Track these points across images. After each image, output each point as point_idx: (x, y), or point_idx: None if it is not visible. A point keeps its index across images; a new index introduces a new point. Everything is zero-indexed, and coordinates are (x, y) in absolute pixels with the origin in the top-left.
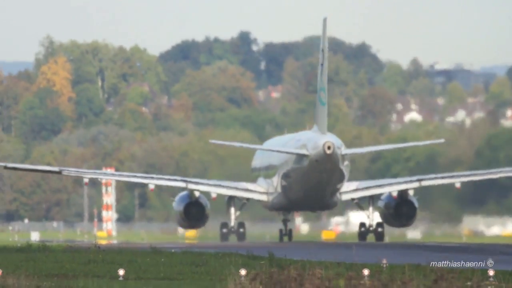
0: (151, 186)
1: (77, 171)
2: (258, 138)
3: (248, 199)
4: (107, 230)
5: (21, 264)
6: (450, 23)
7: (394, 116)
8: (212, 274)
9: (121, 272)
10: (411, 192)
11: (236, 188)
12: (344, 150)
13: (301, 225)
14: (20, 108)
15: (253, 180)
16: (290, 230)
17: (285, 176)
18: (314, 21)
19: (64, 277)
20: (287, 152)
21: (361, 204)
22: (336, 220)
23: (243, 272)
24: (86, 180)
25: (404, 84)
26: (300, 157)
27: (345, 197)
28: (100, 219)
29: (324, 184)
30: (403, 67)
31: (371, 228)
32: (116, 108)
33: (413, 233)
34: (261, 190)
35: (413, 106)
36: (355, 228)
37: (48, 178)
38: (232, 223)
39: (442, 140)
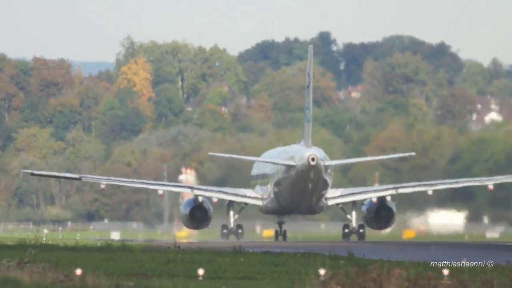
0: (160, 192)
1: (94, 178)
2: (338, 137)
3: (246, 204)
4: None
5: (100, 263)
6: None
7: (474, 116)
8: (291, 274)
9: (200, 271)
10: (388, 198)
11: (235, 194)
12: (327, 162)
13: None
14: (101, 109)
15: (252, 187)
16: (285, 231)
17: (276, 184)
18: (393, 21)
19: (143, 276)
20: (277, 163)
21: (344, 208)
22: (416, 220)
23: (322, 271)
24: (102, 186)
25: (484, 84)
26: (289, 167)
27: (330, 202)
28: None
29: (310, 191)
30: (483, 67)
31: (353, 230)
32: (196, 108)
33: (491, 233)
34: (257, 196)
35: (493, 106)
36: (434, 228)
37: (128, 177)
38: (232, 224)
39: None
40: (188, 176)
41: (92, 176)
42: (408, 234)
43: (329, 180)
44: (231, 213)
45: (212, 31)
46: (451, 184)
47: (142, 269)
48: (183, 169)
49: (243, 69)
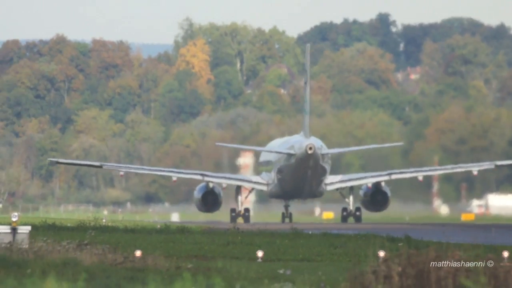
0: (174, 178)
1: (113, 166)
2: (397, 119)
3: (252, 189)
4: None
5: (160, 245)
6: None
7: None
8: (350, 256)
9: (259, 253)
10: (383, 184)
11: (243, 180)
12: (324, 150)
13: (441, 207)
14: (160, 91)
15: (259, 173)
16: (291, 214)
17: (279, 171)
18: (452, 2)
19: (203, 258)
20: (280, 152)
21: (343, 193)
22: (475, 202)
23: (381, 253)
24: (121, 173)
25: None
26: (289, 155)
27: (330, 187)
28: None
29: (309, 177)
30: None
31: (351, 212)
32: (255, 90)
33: None
34: (262, 182)
35: None
36: (494, 210)
37: (187, 160)
38: (240, 208)
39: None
40: (246, 158)
41: (112, 164)
42: (466, 217)
43: (327, 167)
44: (239, 197)
45: (271, 12)
46: (447, 169)
47: (202, 251)
48: (241, 152)
49: (302, 50)
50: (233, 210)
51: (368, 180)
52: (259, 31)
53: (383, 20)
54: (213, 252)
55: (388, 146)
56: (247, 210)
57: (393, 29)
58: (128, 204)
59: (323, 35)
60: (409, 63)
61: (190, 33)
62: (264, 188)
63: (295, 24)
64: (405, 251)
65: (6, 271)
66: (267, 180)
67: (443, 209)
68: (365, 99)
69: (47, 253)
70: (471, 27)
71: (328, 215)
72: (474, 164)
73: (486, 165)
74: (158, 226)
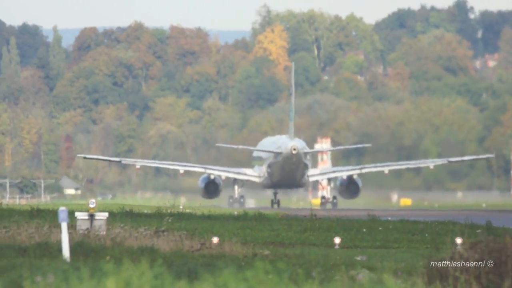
0: (181, 171)
1: (131, 160)
2: (473, 106)
3: (247, 180)
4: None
5: (237, 232)
6: None
7: None
8: (428, 243)
9: (337, 240)
10: (355, 176)
11: (239, 173)
12: (306, 150)
13: None
14: (237, 77)
15: (252, 167)
16: (279, 200)
17: (269, 166)
18: None
19: (280, 245)
20: (270, 151)
21: (322, 183)
22: None
23: (459, 240)
24: (138, 166)
25: None
26: (277, 154)
27: (311, 179)
28: (315, 187)
29: (294, 171)
30: None
31: (328, 200)
32: (332, 77)
33: None
34: (255, 174)
35: None
36: None
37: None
38: (236, 195)
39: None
40: (323, 144)
41: (130, 159)
42: None
43: (308, 163)
44: (236, 187)
45: None
46: (406, 164)
47: (279, 237)
48: (318, 139)
49: (380, 37)
50: (230, 197)
51: (343, 173)
52: (336, 18)
53: (461, 7)
54: (290, 239)
55: (352, 148)
56: (242, 197)
57: (471, 16)
58: None
59: (400, 22)
60: (487, 50)
61: (268, 19)
62: (257, 180)
63: (372, 11)
64: (484, 238)
65: (84, 258)
66: (259, 173)
67: None
68: (442, 86)
69: (124, 240)
70: None
71: (406, 201)
72: None
73: None
74: (236, 213)
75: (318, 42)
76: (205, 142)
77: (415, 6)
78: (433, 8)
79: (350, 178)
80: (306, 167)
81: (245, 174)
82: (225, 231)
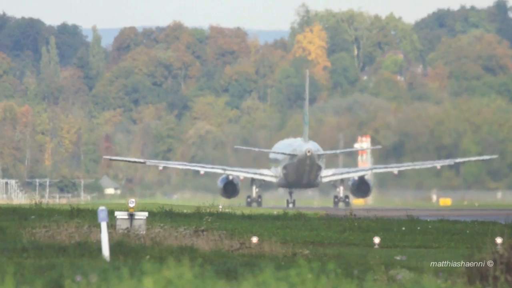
0: (202, 172)
1: (155, 162)
2: None
3: (264, 180)
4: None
5: (277, 231)
6: None
7: None
8: (468, 243)
9: (376, 240)
10: (366, 176)
11: (256, 173)
12: (319, 152)
13: None
14: (276, 77)
15: (269, 167)
16: (294, 200)
17: (284, 167)
18: None
19: (319, 245)
20: (285, 154)
21: (335, 183)
22: None
23: (499, 240)
24: (160, 168)
25: None
26: (292, 156)
27: (325, 180)
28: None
29: (308, 172)
30: None
31: (341, 199)
32: (371, 77)
33: None
34: (272, 175)
35: None
36: None
37: None
38: (254, 195)
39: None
40: (363, 144)
41: (154, 161)
42: None
43: (322, 165)
44: (254, 187)
45: None
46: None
47: (318, 237)
48: (358, 137)
49: (419, 37)
50: (248, 197)
51: (354, 174)
52: (376, 17)
53: (501, 7)
54: (330, 239)
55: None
56: (259, 197)
57: (511, 15)
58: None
59: (440, 21)
60: None
61: (307, 19)
62: (274, 180)
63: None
64: None
65: (123, 257)
66: (275, 173)
67: None
68: (482, 86)
69: (163, 239)
70: None
71: (445, 201)
72: None
73: None
74: (275, 213)
75: (357, 42)
76: (244, 141)
77: (455, 6)
78: (472, 8)
79: (361, 178)
80: (319, 168)
81: (262, 174)
82: (264, 231)
